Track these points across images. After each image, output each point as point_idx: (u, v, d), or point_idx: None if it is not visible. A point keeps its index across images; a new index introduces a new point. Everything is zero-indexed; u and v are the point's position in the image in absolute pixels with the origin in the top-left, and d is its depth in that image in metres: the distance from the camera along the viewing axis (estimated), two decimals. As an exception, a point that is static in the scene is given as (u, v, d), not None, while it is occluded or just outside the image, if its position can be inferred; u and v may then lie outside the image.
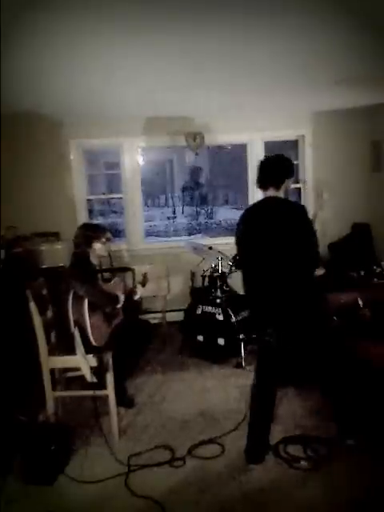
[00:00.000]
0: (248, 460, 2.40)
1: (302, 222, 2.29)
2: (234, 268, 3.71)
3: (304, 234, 2.29)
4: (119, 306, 2.86)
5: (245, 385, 3.31)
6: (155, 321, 4.35)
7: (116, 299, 2.83)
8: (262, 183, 2.43)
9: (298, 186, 5.11)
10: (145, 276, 3.28)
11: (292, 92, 3.78)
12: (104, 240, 2.92)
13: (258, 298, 2.40)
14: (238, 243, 2.50)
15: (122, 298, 2.87)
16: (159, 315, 4.50)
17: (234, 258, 3.03)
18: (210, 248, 3.99)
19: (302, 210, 2.33)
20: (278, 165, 2.42)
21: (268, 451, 2.45)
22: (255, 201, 2.55)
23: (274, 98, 4.01)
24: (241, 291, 3.73)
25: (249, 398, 2.49)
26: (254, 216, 2.43)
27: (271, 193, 2.39)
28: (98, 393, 2.65)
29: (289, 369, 2.77)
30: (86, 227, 2.97)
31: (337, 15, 2.10)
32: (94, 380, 2.59)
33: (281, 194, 2.39)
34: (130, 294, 3.08)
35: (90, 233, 2.88)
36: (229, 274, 3.88)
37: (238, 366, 3.60)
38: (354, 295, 3.00)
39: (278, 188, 2.38)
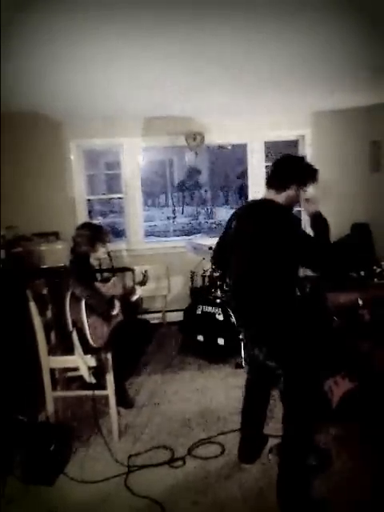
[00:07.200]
0: (240, 458, 2.42)
1: (286, 230, 1.96)
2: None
3: (287, 244, 1.94)
4: (114, 312, 2.83)
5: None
6: (155, 321, 4.36)
7: (110, 304, 2.80)
8: (267, 182, 2.14)
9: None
10: (145, 274, 3.28)
11: (292, 92, 3.78)
12: (105, 242, 2.92)
13: (240, 307, 2.19)
14: (220, 242, 2.37)
15: (116, 304, 2.85)
16: (159, 315, 4.50)
17: (212, 257, 2.54)
18: (210, 248, 3.98)
19: (285, 215, 2.01)
20: (286, 165, 2.11)
21: (260, 453, 2.44)
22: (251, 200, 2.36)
23: (274, 98, 4.01)
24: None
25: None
26: (240, 217, 2.20)
27: (269, 195, 2.10)
28: (98, 393, 2.65)
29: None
30: (89, 227, 2.94)
31: (337, 16, 2.10)
32: (93, 380, 2.59)
33: (280, 199, 2.06)
34: (128, 294, 3.08)
35: (93, 234, 2.87)
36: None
37: (238, 366, 3.60)
38: (354, 295, 3.00)
39: (277, 191, 2.06)
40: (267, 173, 2.21)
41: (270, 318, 2.02)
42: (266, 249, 1.97)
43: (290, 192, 2.06)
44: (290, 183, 2.05)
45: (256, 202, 2.20)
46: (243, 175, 5.10)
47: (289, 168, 2.10)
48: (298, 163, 2.11)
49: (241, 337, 3.64)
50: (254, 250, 2.02)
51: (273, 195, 2.08)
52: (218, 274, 3.91)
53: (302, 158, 2.15)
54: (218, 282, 3.89)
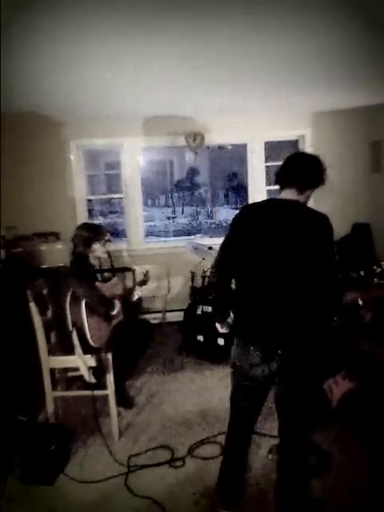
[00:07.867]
0: (219, 502, 2.08)
1: (325, 238, 1.85)
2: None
3: (326, 254, 1.86)
4: (114, 312, 2.83)
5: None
6: (155, 321, 4.35)
7: (110, 305, 2.80)
8: (287, 180, 1.95)
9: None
10: (146, 274, 3.27)
11: (292, 92, 3.78)
12: (103, 241, 2.91)
13: (256, 320, 1.91)
14: (232, 246, 1.97)
15: (117, 304, 2.84)
16: (159, 315, 4.50)
17: (218, 263, 2.08)
18: (210, 248, 3.99)
19: (327, 223, 1.86)
20: (311, 166, 1.95)
21: (241, 495, 2.14)
22: (257, 200, 2.06)
23: (274, 98, 4.01)
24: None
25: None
26: (264, 218, 1.92)
27: (290, 195, 1.92)
28: (98, 393, 2.65)
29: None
30: (85, 227, 2.96)
31: (336, 15, 2.10)
32: (93, 381, 2.59)
33: (301, 200, 1.93)
34: (128, 294, 3.08)
35: (89, 234, 2.87)
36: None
37: (238, 366, 3.60)
38: (354, 295, 3.00)
39: (300, 192, 1.92)
40: (284, 170, 1.99)
41: (311, 335, 1.88)
42: (316, 260, 1.84)
43: (308, 193, 1.96)
44: (313, 186, 1.95)
45: (284, 203, 1.94)
46: (235, 175, 5.07)
47: (314, 170, 1.96)
48: (321, 166, 1.97)
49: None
50: (301, 259, 1.84)
51: (295, 195, 1.93)
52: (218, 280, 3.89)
53: (319, 159, 1.99)
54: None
